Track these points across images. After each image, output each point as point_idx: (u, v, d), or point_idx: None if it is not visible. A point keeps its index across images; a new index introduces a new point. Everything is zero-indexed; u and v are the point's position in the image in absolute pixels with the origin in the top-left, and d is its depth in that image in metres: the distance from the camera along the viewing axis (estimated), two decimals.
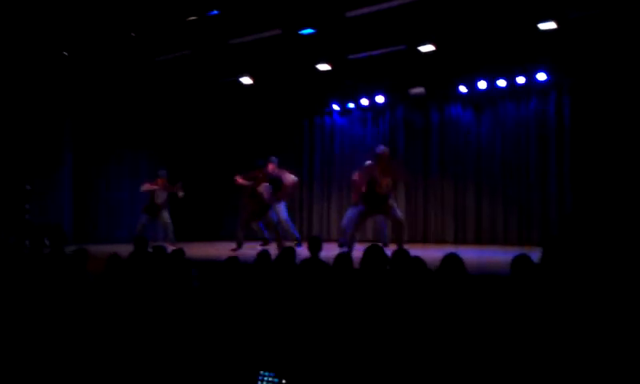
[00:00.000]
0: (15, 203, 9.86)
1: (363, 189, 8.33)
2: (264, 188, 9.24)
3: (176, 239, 9.83)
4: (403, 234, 8.51)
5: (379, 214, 8.73)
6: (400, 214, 8.67)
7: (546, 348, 3.21)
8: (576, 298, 3.56)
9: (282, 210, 9.67)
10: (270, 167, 9.44)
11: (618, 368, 3.03)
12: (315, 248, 5.36)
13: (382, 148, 8.58)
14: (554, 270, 4.08)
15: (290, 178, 9.52)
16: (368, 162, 8.64)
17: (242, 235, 9.31)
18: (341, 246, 9.00)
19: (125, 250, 6.32)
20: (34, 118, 10.27)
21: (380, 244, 9.26)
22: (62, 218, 10.57)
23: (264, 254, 5.06)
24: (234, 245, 9.20)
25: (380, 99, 11.32)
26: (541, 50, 9.23)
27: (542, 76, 9.69)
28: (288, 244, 9.00)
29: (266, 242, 9.59)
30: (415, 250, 4.60)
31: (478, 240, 10.57)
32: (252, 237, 9.92)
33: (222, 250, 8.98)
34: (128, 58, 10.31)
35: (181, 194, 9.99)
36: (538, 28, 8.31)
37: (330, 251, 6.19)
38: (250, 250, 8.57)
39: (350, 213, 9.05)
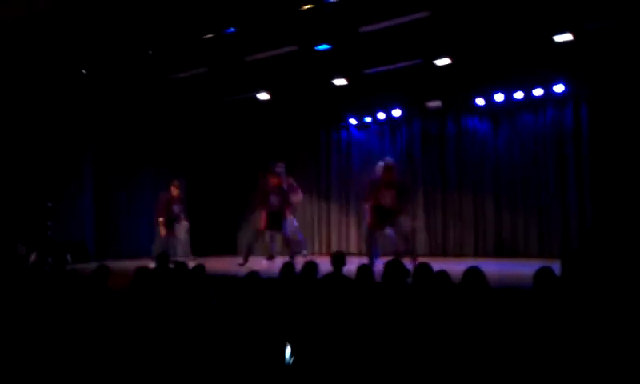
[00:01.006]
0: (37, 220, 9.98)
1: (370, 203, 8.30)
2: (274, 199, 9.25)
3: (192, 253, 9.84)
4: (409, 246, 8.52)
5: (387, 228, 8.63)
6: (406, 227, 8.68)
7: (570, 362, 3.17)
8: (599, 312, 3.52)
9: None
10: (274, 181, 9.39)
11: None
12: (339, 263, 5.36)
13: (387, 159, 8.61)
14: (577, 283, 4.04)
15: (297, 196, 9.62)
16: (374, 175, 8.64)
17: (248, 249, 9.32)
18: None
19: (146, 265, 6.35)
20: (55, 136, 10.42)
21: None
22: (84, 234, 10.69)
23: (289, 266, 5.07)
24: (255, 259, 9.32)
25: (397, 113, 11.33)
26: (557, 62, 9.21)
27: (559, 87, 9.64)
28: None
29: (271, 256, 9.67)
30: (435, 264, 4.58)
31: (499, 253, 10.47)
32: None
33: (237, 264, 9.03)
34: (147, 76, 10.46)
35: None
36: (553, 40, 8.30)
37: (352, 265, 6.18)
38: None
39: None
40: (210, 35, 9.08)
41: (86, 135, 10.93)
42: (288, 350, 3.59)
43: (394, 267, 4.35)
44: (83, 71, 10.13)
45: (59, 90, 10.33)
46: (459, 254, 10.81)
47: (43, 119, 10.24)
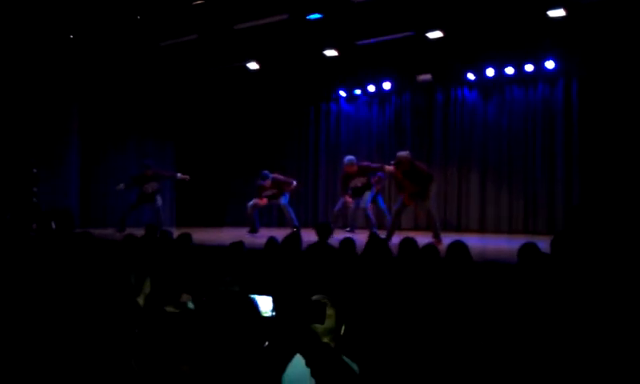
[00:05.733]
0: (23, 186, 9.86)
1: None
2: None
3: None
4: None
5: None
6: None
7: (554, 335, 3.20)
8: (583, 289, 3.55)
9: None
10: (267, 184, 9.70)
11: (621, 360, 3.02)
12: (324, 233, 5.34)
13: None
14: (563, 260, 4.06)
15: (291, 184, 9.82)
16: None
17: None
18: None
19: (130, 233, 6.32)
20: (41, 103, 10.24)
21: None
22: (70, 201, 10.59)
23: (271, 241, 5.06)
24: (243, 231, 9.39)
25: (387, 85, 11.26)
26: (550, 38, 9.16)
27: (550, 64, 9.61)
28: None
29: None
30: (418, 238, 4.58)
31: (482, 228, 10.52)
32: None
33: (226, 235, 9.01)
34: (134, 43, 10.28)
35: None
36: (547, 15, 8.24)
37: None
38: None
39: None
40: (200, 1, 8.93)
41: (72, 103, 10.76)
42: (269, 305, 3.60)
43: (374, 243, 4.35)
44: (71, 36, 9.95)
45: (46, 56, 10.13)
46: (443, 228, 10.81)
47: (30, 85, 10.05)
